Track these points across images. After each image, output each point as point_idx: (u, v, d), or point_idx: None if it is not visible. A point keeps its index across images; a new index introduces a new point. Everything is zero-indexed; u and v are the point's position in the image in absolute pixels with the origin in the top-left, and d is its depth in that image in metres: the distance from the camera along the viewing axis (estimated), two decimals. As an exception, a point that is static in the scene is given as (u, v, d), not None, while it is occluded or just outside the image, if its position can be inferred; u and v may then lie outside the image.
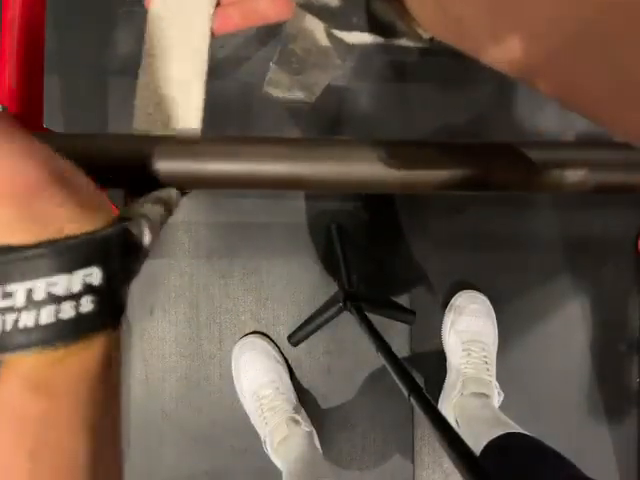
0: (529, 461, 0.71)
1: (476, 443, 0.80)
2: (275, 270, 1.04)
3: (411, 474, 1.06)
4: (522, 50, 0.20)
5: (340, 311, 0.97)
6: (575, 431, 1.06)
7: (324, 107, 1.02)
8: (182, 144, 0.30)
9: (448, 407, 0.96)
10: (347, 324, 1.02)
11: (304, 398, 1.04)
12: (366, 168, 0.29)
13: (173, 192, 0.30)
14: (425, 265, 1.06)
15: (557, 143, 0.31)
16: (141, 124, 0.32)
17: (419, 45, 0.27)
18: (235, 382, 1.01)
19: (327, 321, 0.99)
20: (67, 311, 0.20)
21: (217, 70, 0.99)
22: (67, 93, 0.98)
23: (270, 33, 0.99)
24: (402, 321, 1.02)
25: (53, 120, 0.95)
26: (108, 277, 0.22)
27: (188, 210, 1.03)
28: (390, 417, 1.05)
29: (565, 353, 1.07)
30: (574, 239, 1.07)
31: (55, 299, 0.20)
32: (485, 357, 0.98)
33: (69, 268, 0.21)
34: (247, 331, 1.03)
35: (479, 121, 1.04)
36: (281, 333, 1.03)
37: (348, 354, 1.04)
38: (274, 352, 1.01)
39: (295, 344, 1.01)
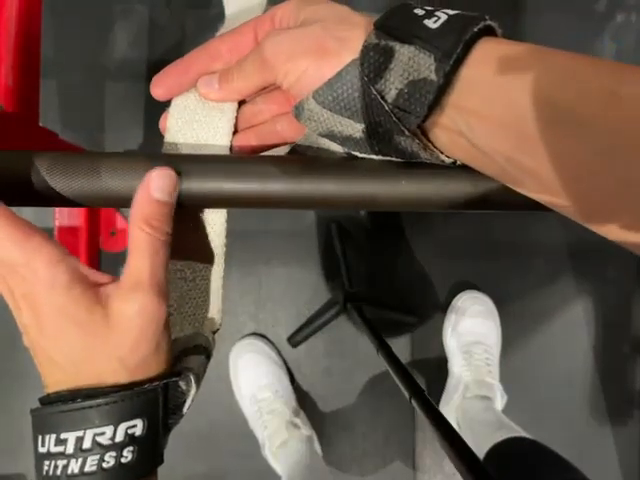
0: (532, 466, 0.70)
1: (478, 446, 0.79)
2: (274, 270, 1.03)
3: (412, 477, 1.05)
4: (547, 169, 0.21)
5: (340, 312, 0.96)
6: (578, 433, 1.06)
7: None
8: (191, 162, 0.29)
9: (450, 410, 0.95)
10: (347, 325, 1.02)
11: (304, 400, 1.03)
12: (363, 186, 0.29)
13: (210, 336, 0.31)
14: (426, 265, 1.05)
15: None
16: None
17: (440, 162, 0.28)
18: (233, 384, 1.00)
19: (327, 322, 0.98)
20: (109, 461, 0.22)
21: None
22: (64, 92, 0.97)
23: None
24: (403, 322, 1.01)
25: (49, 119, 0.94)
26: (150, 429, 0.24)
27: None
28: (391, 419, 1.04)
29: (568, 355, 1.07)
30: (577, 240, 1.07)
31: (100, 448, 0.22)
32: (488, 359, 0.97)
33: (117, 420, 0.22)
34: (246, 332, 1.03)
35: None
36: (280, 334, 1.02)
37: (348, 356, 1.04)
38: (273, 354, 1.00)
39: (294, 345, 1.01)
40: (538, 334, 1.06)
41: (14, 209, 0.24)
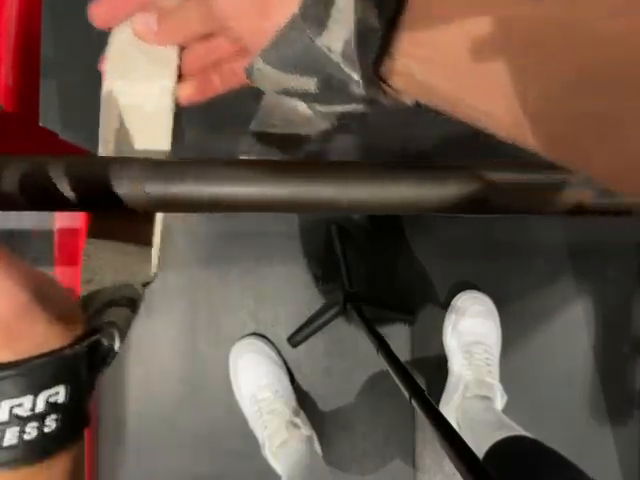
0: (532, 465, 0.70)
1: (478, 446, 0.79)
2: (274, 271, 1.03)
3: (412, 477, 1.05)
4: (508, 109, 0.20)
5: (340, 312, 0.96)
6: (578, 433, 1.06)
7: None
8: (154, 166, 0.29)
9: (450, 409, 0.95)
10: (347, 325, 1.02)
11: (303, 400, 1.03)
12: (361, 190, 0.29)
13: (138, 287, 0.30)
14: (426, 265, 1.05)
15: (556, 165, 0.31)
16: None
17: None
18: (233, 384, 1.00)
19: (327, 322, 0.98)
20: (31, 432, 0.20)
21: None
22: (64, 92, 0.97)
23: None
24: (403, 322, 1.01)
25: (49, 119, 0.94)
26: (73, 393, 0.22)
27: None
28: (391, 419, 1.04)
29: (568, 355, 1.07)
30: (576, 240, 1.07)
31: (19, 420, 0.20)
32: (488, 359, 0.97)
33: (35, 389, 0.20)
34: (246, 332, 1.02)
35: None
36: (280, 334, 1.02)
37: (348, 355, 1.04)
38: (273, 354, 1.00)
39: (294, 345, 1.01)
40: (538, 334, 1.06)
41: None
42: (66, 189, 0.26)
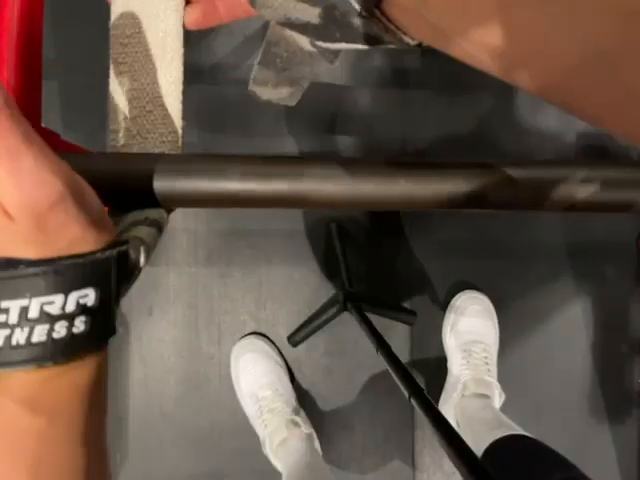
0: (531, 463, 0.71)
1: (477, 445, 0.80)
2: (275, 270, 1.03)
3: (411, 475, 1.05)
4: (504, 43, 0.20)
5: (340, 311, 0.96)
6: (576, 432, 1.06)
7: (323, 108, 1.02)
8: (172, 162, 0.29)
9: (449, 408, 0.96)
10: (347, 324, 1.02)
11: (304, 399, 1.03)
12: (362, 186, 0.29)
13: (162, 211, 0.30)
14: (426, 265, 1.05)
15: (555, 162, 0.31)
16: (119, 139, 0.32)
17: (407, 48, 0.27)
18: (234, 383, 1.01)
19: (327, 322, 0.99)
20: (60, 331, 0.21)
21: (215, 72, 0.98)
22: (65, 93, 0.97)
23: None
24: (402, 322, 1.02)
25: (51, 120, 0.94)
26: (102, 298, 0.22)
27: (187, 210, 1.02)
28: (390, 418, 1.04)
29: (566, 354, 1.07)
30: (575, 240, 1.07)
31: (49, 318, 0.20)
32: (486, 358, 0.97)
33: (66, 289, 0.20)
34: (246, 332, 1.03)
35: (481, 123, 1.04)
36: (281, 334, 1.03)
37: (348, 355, 1.04)
38: (273, 353, 1.01)
39: (295, 345, 1.01)
40: (537, 334, 1.06)
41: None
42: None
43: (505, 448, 0.77)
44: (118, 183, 0.28)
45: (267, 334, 1.03)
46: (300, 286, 1.03)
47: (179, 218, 1.02)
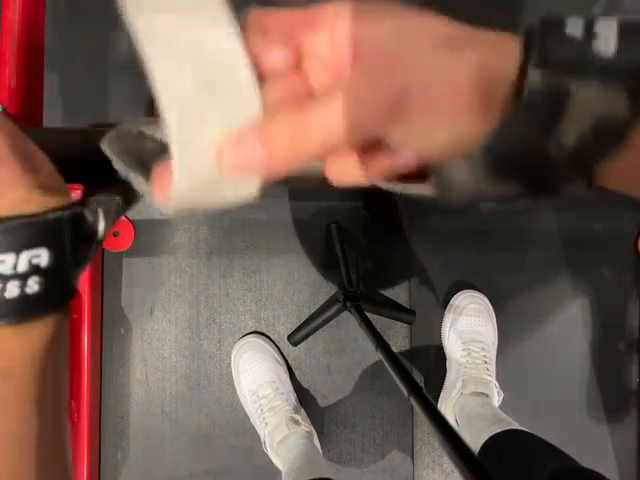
0: (527, 454, 0.71)
1: (475, 441, 0.80)
2: (275, 270, 1.04)
3: (411, 473, 1.05)
4: None
5: (340, 311, 0.97)
6: (574, 431, 1.06)
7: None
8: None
9: (448, 407, 0.96)
10: (347, 324, 1.02)
11: (304, 398, 1.04)
12: None
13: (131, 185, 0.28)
14: (425, 264, 1.06)
15: None
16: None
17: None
18: (235, 382, 1.01)
19: (327, 321, 0.99)
20: (12, 290, 0.20)
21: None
22: (66, 93, 0.98)
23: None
24: (402, 321, 1.02)
25: (52, 120, 0.95)
26: (57, 260, 0.21)
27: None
28: (390, 417, 1.05)
29: (565, 353, 1.07)
30: (574, 238, 1.07)
31: (0, 277, 0.20)
32: (485, 357, 0.98)
33: (17, 247, 0.20)
34: (247, 331, 1.03)
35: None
36: (281, 333, 1.03)
37: (348, 354, 1.04)
38: (274, 352, 1.01)
39: (295, 344, 1.01)
40: (535, 333, 1.07)
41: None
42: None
43: (502, 442, 0.77)
44: (86, 157, 0.27)
45: (267, 333, 1.03)
46: (300, 286, 1.04)
47: (180, 218, 1.03)
